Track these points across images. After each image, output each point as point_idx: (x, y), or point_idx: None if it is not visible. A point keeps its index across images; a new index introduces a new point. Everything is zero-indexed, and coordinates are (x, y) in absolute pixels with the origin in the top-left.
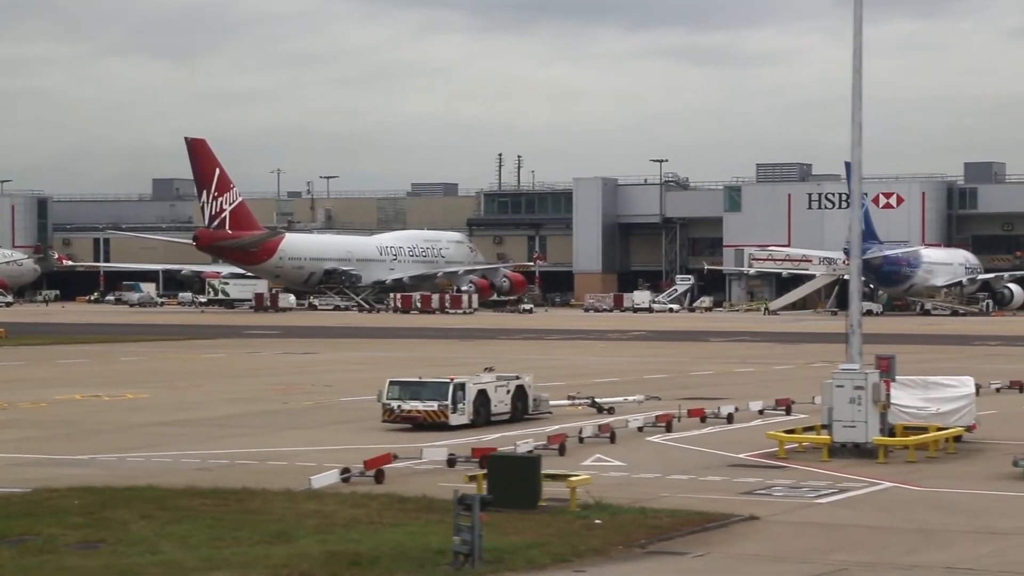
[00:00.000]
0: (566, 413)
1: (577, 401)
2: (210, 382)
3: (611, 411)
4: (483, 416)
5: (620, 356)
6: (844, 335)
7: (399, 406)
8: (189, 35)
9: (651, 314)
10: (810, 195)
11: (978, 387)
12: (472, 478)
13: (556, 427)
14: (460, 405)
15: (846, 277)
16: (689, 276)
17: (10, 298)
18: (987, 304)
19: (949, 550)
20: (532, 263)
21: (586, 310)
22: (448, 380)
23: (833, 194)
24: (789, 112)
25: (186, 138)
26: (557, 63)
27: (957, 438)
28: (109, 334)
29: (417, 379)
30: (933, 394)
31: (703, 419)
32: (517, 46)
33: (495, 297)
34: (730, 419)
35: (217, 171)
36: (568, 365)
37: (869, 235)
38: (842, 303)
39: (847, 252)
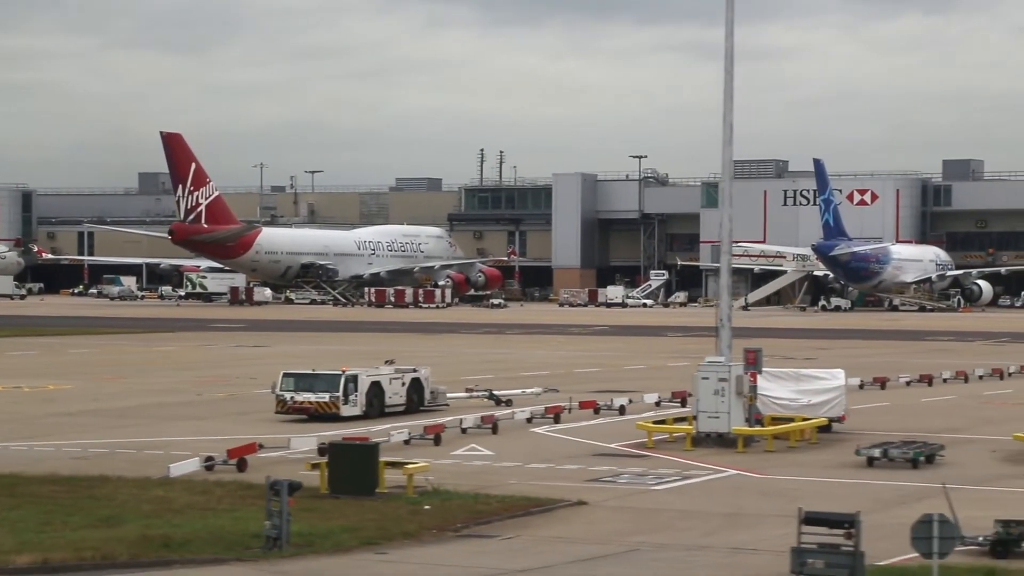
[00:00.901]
0: (465, 405)
1: (475, 393)
2: (141, 374)
3: (508, 403)
4: (377, 408)
5: (567, 350)
6: (805, 330)
7: (292, 397)
8: (193, 29)
9: (624, 309)
10: (785, 192)
11: (885, 380)
12: (315, 466)
13: (448, 418)
14: (352, 396)
15: (816, 273)
16: (663, 272)
17: (23, 291)
18: (957, 300)
19: (748, 532)
20: (506, 258)
21: (561, 305)
22: (340, 372)
23: (808, 191)
24: (797, 107)
25: (161, 132)
26: (566, 58)
27: (827, 427)
28: (74, 327)
29: (310, 371)
30: (804, 386)
31: (596, 411)
32: (526, 41)
33: (472, 292)
34: (622, 411)
35: (193, 165)
36: (509, 359)
37: (838, 232)
38: (814, 298)
39: (815, 248)
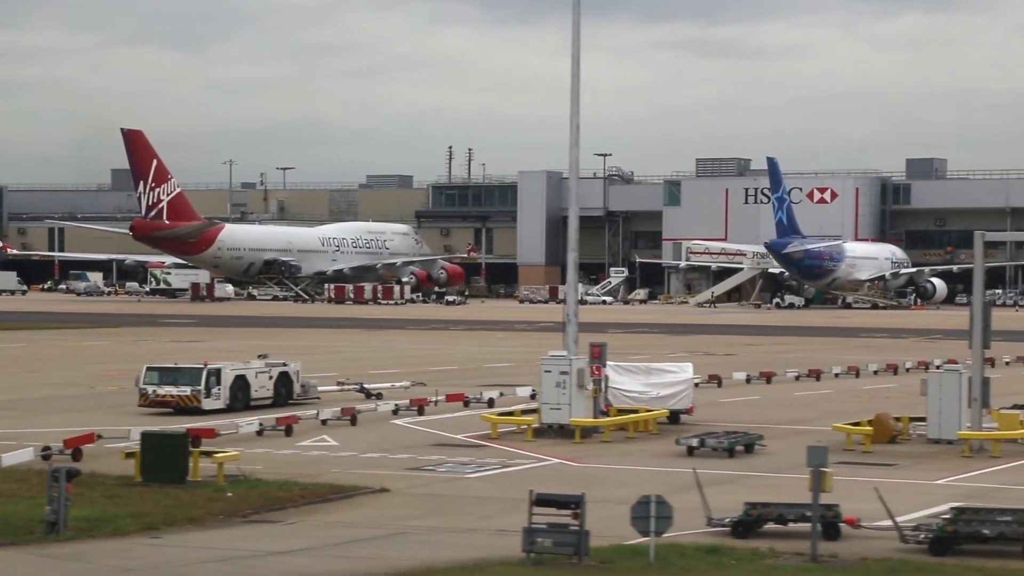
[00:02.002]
0: (336, 398)
1: (346, 387)
2: (52, 368)
3: (379, 396)
4: (242, 401)
5: (493, 346)
6: (744, 327)
7: (154, 391)
8: (194, 26)
9: (583, 306)
10: (747, 190)
11: (771, 375)
12: (130, 455)
13: (311, 411)
14: (214, 390)
15: (772, 270)
16: (623, 269)
17: (25, 287)
18: (914, 298)
19: (525, 516)
20: (466, 255)
21: (521, 301)
22: (202, 366)
23: (769, 189)
24: (796, 105)
25: (123, 129)
26: (565, 56)
27: (675, 419)
28: (24, 322)
29: (173, 365)
30: (654, 379)
31: (466, 403)
32: (526, 39)
33: (437, 289)
34: (491, 404)
35: (154, 162)
36: (429, 354)
37: (791, 230)
38: (773, 295)
39: (767, 246)
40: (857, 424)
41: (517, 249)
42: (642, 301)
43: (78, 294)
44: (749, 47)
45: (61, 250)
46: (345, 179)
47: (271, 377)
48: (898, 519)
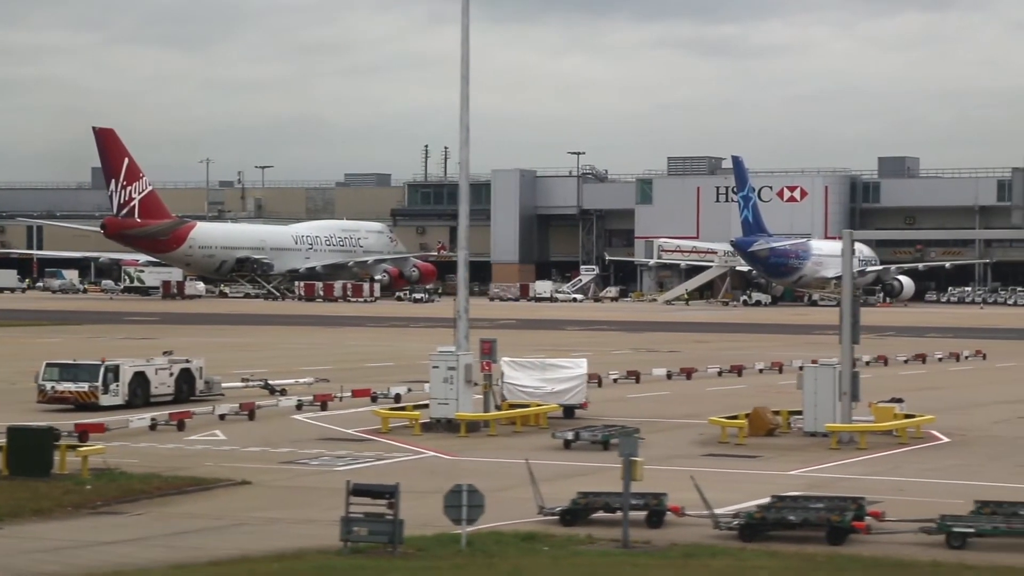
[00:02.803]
0: (241, 394)
1: (251, 383)
2: None
3: (283, 392)
4: (141, 397)
5: (448, 343)
6: (701, 324)
7: (52, 387)
8: (195, 25)
9: (552, 304)
10: (718, 188)
11: (692, 371)
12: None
13: (208, 407)
14: (112, 386)
15: (740, 268)
16: (594, 266)
17: (25, 284)
18: (881, 296)
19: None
20: (436, 254)
21: (491, 299)
22: (100, 362)
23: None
24: (794, 104)
25: (94, 128)
26: (567, 55)
27: (570, 414)
28: None
29: (72, 361)
30: (549, 375)
31: (374, 399)
32: (526, 37)
33: (411, 286)
34: (398, 399)
35: (126, 160)
36: (370, 351)
37: (757, 228)
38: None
39: (733, 244)
40: (734, 418)
41: (491, 247)
42: (613, 299)
43: (53, 291)
44: (746, 46)
45: (40, 248)
46: (333, 177)
47: (172, 374)
48: (730, 508)
